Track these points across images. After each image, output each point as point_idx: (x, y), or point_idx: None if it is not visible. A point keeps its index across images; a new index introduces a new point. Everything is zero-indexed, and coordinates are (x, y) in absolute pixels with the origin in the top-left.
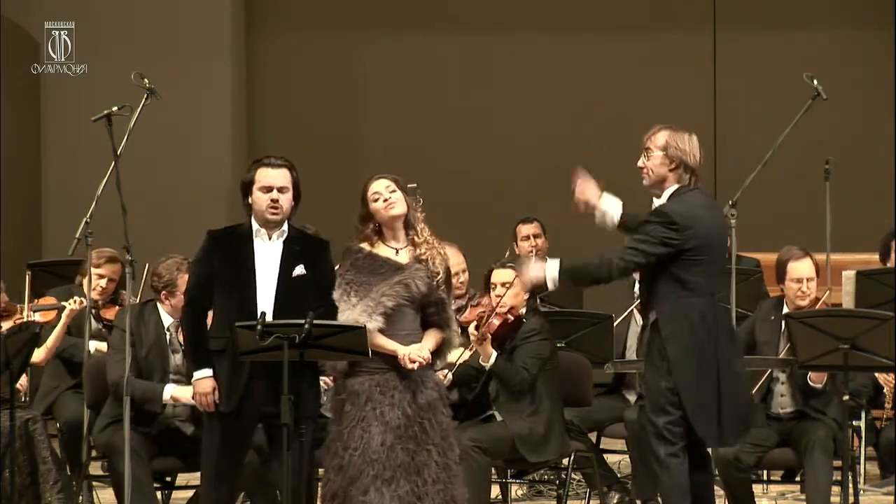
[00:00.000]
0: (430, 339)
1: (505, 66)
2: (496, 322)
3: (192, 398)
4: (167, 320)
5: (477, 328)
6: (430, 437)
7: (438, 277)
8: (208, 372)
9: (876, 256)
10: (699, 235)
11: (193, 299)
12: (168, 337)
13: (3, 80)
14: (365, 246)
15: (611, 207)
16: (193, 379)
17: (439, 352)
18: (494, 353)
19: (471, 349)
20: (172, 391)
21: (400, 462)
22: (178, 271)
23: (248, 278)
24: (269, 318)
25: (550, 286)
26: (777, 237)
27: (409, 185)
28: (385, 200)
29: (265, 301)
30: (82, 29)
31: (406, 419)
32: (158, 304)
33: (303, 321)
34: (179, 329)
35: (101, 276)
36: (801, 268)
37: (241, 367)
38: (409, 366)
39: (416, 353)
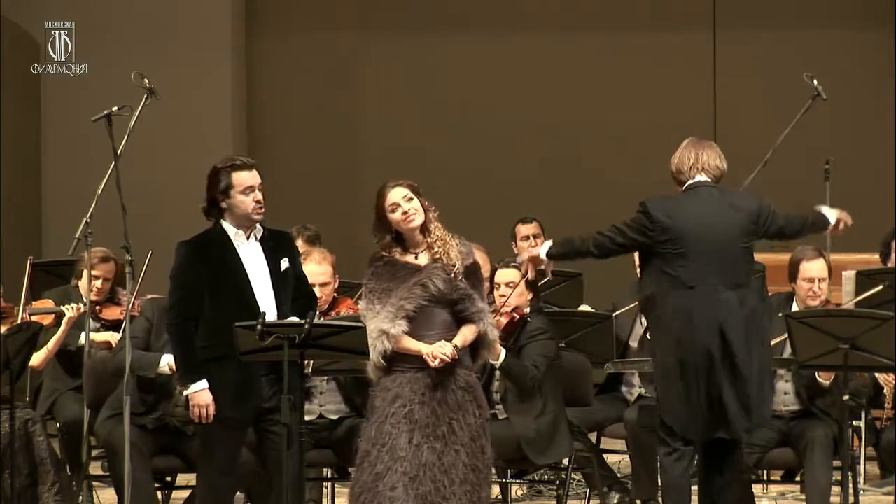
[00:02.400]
0: (461, 335)
1: (505, 66)
2: (504, 320)
3: (191, 410)
4: None
5: None
6: (458, 438)
7: (455, 268)
8: (204, 384)
9: (876, 256)
10: (675, 228)
11: (183, 312)
12: None
13: (3, 80)
14: (385, 254)
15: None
16: (189, 392)
17: (478, 346)
18: (504, 352)
19: None
20: (169, 360)
21: (425, 461)
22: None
23: (243, 281)
24: (273, 317)
25: (543, 256)
26: None
27: None
28: (404, 213)
29: (265, 300)
30: (82, 29)
31: (435, 418)
32: None
33: (303, 321)
34: None
35: (95, 277)
36: (814, 268)
37: (251, 370)
38: (433, 363)
39: (437, 350)
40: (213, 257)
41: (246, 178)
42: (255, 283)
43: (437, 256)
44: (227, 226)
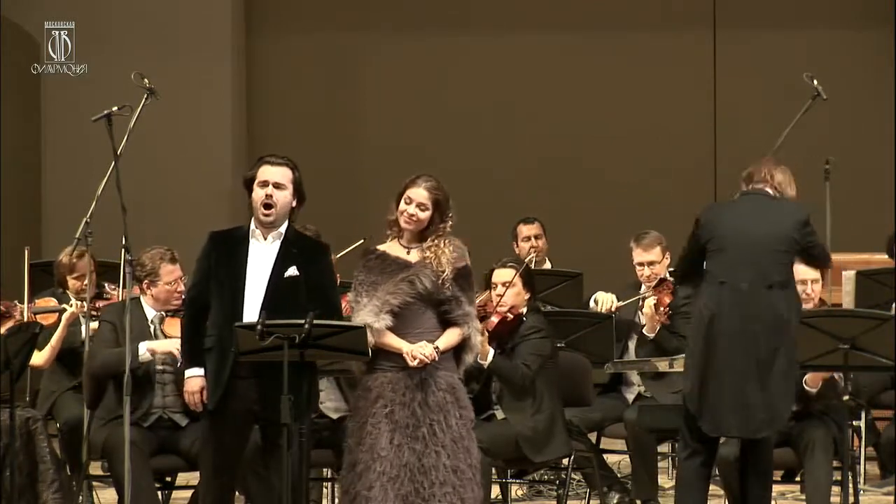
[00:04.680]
0: (445, 338)
1: (505, 65)
2: (494, 320)
3: (183, 396)
4: (150, 313)
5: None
6: (439, 439)
7: (444, 274)
8: (199, 371)
9: (876, 256)
10: (715, 230)
11: (192, 298)
12: (152, 329)
13: (3, 80)
14: (379, 247)
15: None
16: (185, 377)
17: (461, 350)
18: (492, 351)
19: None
20: (147, 346)
21: (406, 461)
22: (161, 261)
23: (238, 278)
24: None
25: None
26: None
27: None
28: (409, 214)
29: (253, 302)
30: (82, 29)
31: (415, 419)
32: (141, 297)
33: (303, 321)
34: (163, 321)
35: (79, 277)
36: (805, 270)
37: (225, 364)
38: (412, 363)
39: (418, 350)
40: (223, 251)
41: (265, 171)
42: (250, 284)
43: (428, 260)
44: (253, 221)
